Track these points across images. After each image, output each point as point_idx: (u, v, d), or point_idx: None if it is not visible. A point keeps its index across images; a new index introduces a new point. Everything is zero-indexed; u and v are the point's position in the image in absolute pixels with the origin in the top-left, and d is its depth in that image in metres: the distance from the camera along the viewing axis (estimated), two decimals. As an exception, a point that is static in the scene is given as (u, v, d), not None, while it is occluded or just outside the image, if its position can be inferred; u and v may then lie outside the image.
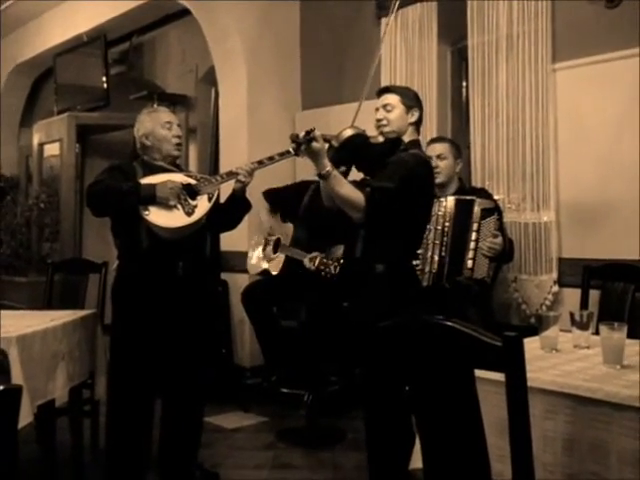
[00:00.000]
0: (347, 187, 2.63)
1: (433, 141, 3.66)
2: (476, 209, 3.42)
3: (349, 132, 2.76)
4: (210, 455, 3.56)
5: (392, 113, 2.81)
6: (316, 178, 3.92)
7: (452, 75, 4.55)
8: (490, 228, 3.40)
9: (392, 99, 2.83)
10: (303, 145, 2.60)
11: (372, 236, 2.73)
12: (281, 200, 4.36)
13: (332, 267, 3.65)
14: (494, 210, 3.47)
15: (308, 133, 2.59)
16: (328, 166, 2.59)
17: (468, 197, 3.47)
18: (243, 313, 4.43)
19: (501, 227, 3.48)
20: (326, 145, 2.68)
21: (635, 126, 3.42)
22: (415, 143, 2.85)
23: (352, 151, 2.75)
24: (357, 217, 2.65)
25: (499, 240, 3.39)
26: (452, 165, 3.53)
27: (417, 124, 2.88)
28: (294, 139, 2.63)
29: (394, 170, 2.67)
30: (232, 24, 4.95)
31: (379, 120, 2.83)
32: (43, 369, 2.87)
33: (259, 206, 4.26)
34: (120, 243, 3.14)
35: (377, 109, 2.86)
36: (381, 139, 2.80)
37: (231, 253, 4.99)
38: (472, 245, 3.39)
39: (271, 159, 3.10)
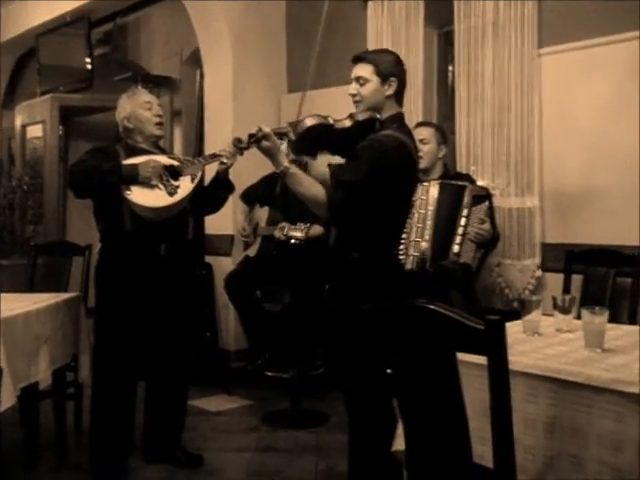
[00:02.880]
0: (305, 184, 2.45)
1: (417, 125, 3.63)
2: (467, 195, 3.40)
3: (308, 122, 2.49)
4: (194, 438, 3.57)
5: (365, 87, 2.50)
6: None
7: (438, 59, 4.54)
8: (480, 215, 3.41)
9: (365, 70, 2.51)
10: (250, 147, 2.51)
11: (343, 227, 2.58)
12: (257, 193, 4.41)
13: (299, 232, 3.78)
14: (485, 198, 3.47)
15: (251, 136, 2.45)
16: (284, 163, 2.43)
17: (459, 182, 3.46)
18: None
19: (491, 215, 3.47)
20: (285, 139, 2.57)
21: (620, 112, 3.44)
22: (395, 118, 2.54)
23: (313, 141, 2.54)
24: (320, 213, 2.53)
25: (486, 226, 3.40)
26: (435, 150, 3.52)
27: (397, 95, 2.55)
28: (236, 144, 2.56)
29: (362, 159, 2.43)
30: (218, 6, 4.91)
31: (353, 95, 2.54)
32: (26, 352, 2.86)
33: (236, 207, 4.40)
34: (102, 226, 3.13)
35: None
36: (348, 123, 2.50)
37: (216, 236, 4.98)
38: (460, 230, 3.38)
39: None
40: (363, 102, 2.53)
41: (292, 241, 3.78)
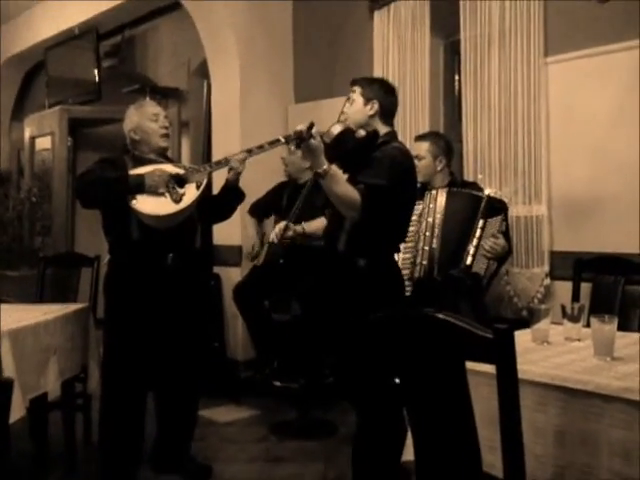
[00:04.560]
0: (345, 185, 2.55)
1: (415, 139, 3.61)
2: (483, 206, 3.34)
3: (338, 128, 2.69)
4: (202, 448, 3.56)
5: (351, 107, 2.78)
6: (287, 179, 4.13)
7: (445, 69, 4.55)
8: (495, 227, 3.34)
9: (354, 92, 2.80)
10: (307, 140, 2.47)
11: (358, 231, 2.66)
12: (265, 205, 4.47)
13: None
14: (501, 210, 3.40)
15: (310, 128, 2.46)
16: (325, 164, 2.50)
17: (475, 192, 3.42)
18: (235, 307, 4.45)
19: (506, 229, 3.41)
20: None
21: (627, 120, 3.43)
22: (392, 135, 2.80)
23: (341, 148, 2.68)
24: (352, 215, 2.59)
25: (501, 242, 3.32)
26: (430, 164, 3.46)
27: (383, 116, 2.78)
28: (299, 135, 2.48)
29: (383, 166, 2.61)
30: (225, 17, 4.94)
31: (342, 113, 2.79)
32: (35, 363, 2.87)
33: (246, 222, 4.47)
34: (110, 237, 3.14)
35: None
36: (363, 133, 2.74)
37: (224, 247, 4.99)
38: (474, 242, 3.32)
39: (261, 147, 3.13)
40: (348, 119, 2.76)
41: (286, 241, 3.90)
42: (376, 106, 2.76)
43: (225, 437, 3.86)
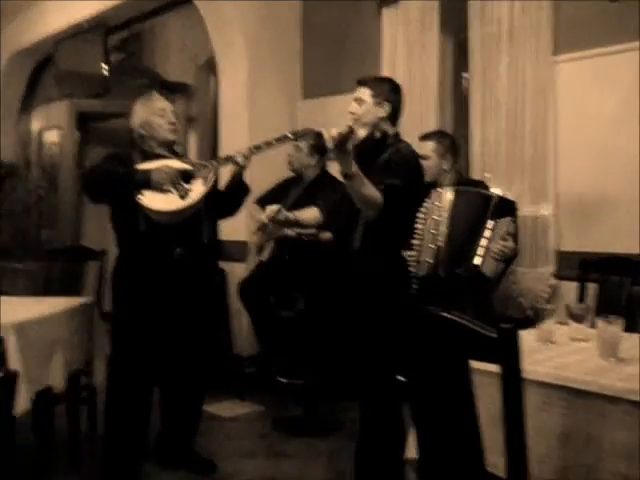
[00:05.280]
0: (370, 187, 2.55)
1: (420, 139, 3.55)
2: (492, 205, 3.28)
3: (363, 132, 2.75)
4: (206, 443, 3.57)
5: (361, 107, 2.78)
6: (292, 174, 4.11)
7: (453, 66, 4.53)
8: (504, 228, 3.28)
9: (363, 92, 2.80)
10: (347, 145, 2.46)
11: (374, 229, 2.69)
12: (272, 198, 4.42)
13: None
14: (511, 211, 3.35)
15: (351, 133, 2.49)
16: (354, 166, 2.51)
17: (484, 191, 3.37)
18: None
19: (515, 230, 3.35)
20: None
21: (635, 120, 3.42)
22: (398, 136, 2.83)
23: (363, 150, 2.69)
24: (372, 215, 2.63)
25: (510, 244, 3.27)
26: (437, 164, 3.44)
27: (391, 118, 2.82)
28: (344, 138, 2.44)
29: (398, 167, 2.66)
30: (233, 13, 4.94)
31: (351, 113, 2.79)
32: (41, 356, 2.88)
33: (252, 207, 4.36)
34: (118, 230, 3.15)
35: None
36: (378, 134, 2.78)
37: (230, 242, 4.99)
38: (484, 242, 3.26)
39: (268, 144, 3.13)
40: (359, 120, 2.76)
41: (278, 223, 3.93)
42: (387, 108, 2.79)
43: (229, 432, 3.87)
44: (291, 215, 3.93)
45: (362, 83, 2.84)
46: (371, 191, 2.56)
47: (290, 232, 4.03)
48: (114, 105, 6.21)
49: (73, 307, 3.22)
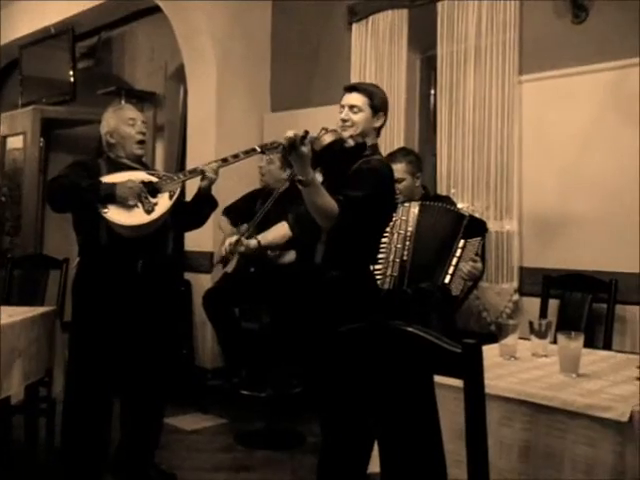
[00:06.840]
0: (326, 197, 2.46)
1: (390, 159, 3.39)
2: (464, 225, 3.33)
3: (330, 137, 2.57)
4: (168, 456, 3.53)
5: (358, 115, 2.66)
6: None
7: (421, 83, 4.59)
8: (473, 249, 3.33)
9: (359, 100, 2.67)
10: (299, 148, 2.37)
11: (334, 242, 2.63)
12: (239, 209, 4.39)
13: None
14: (481, 231, 3.40)
15: (305, 136, 2.38)
16: (311, 173, 2.44)
17: (460, 211, 3.41)
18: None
19: (483, 250, 3.41)
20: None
21: (597, 139, 3.49)
22: (376, 148, 2.75)
23: (330, 157, 2.60)
24: (327, 225, 2.54)
25: (479, 265, 3.33)
26: (411, 184, 3.48)
27: (379, 129, 2.76)
28: (292, 141, 2.36)
29: (365, 178, 2.57)
30: (203, 23, 4.93)
31: (344, 121, 2.67)
32: (-1, 365, 2.82)
33: (219, 218, 4.33)
34: (81, 239, 3.11)
35: (342, 107, 2.70)
36: (352, 142, 2.63)
37: (195, 253, 4.96)
38: (454, 261, 3.31)
39: (236, 157, 3.12)
40: (353, 128, 2.66)
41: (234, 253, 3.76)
42: (382, 119, 2.72)
43: (191, 445, 3.83)
44: (253, 243, 3.76)
45: (356, 89, 2.72)
46: (326, 201, 2.46)
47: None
48: (80, 112, 6.15)
49: (33, 316, 3.16)
